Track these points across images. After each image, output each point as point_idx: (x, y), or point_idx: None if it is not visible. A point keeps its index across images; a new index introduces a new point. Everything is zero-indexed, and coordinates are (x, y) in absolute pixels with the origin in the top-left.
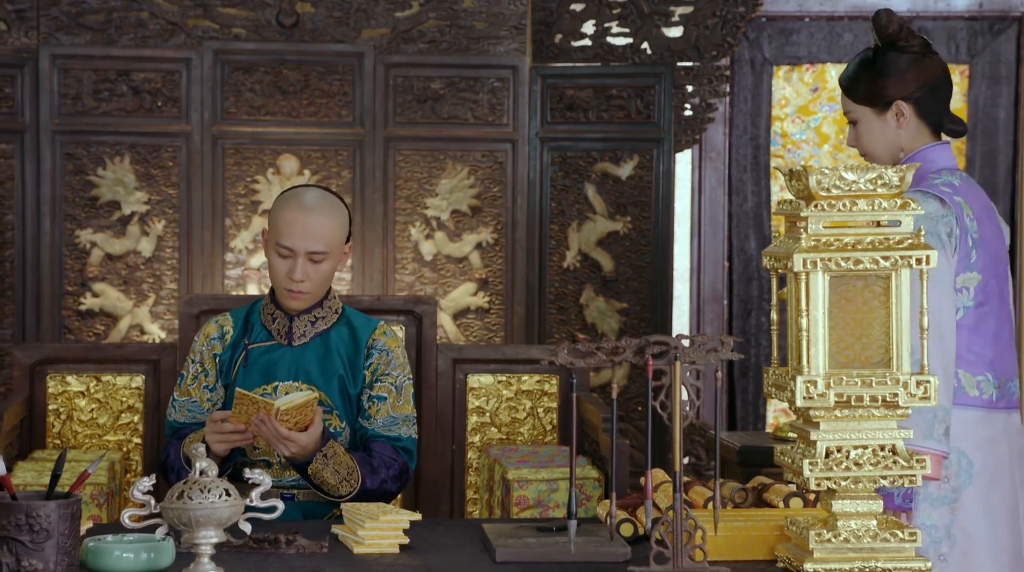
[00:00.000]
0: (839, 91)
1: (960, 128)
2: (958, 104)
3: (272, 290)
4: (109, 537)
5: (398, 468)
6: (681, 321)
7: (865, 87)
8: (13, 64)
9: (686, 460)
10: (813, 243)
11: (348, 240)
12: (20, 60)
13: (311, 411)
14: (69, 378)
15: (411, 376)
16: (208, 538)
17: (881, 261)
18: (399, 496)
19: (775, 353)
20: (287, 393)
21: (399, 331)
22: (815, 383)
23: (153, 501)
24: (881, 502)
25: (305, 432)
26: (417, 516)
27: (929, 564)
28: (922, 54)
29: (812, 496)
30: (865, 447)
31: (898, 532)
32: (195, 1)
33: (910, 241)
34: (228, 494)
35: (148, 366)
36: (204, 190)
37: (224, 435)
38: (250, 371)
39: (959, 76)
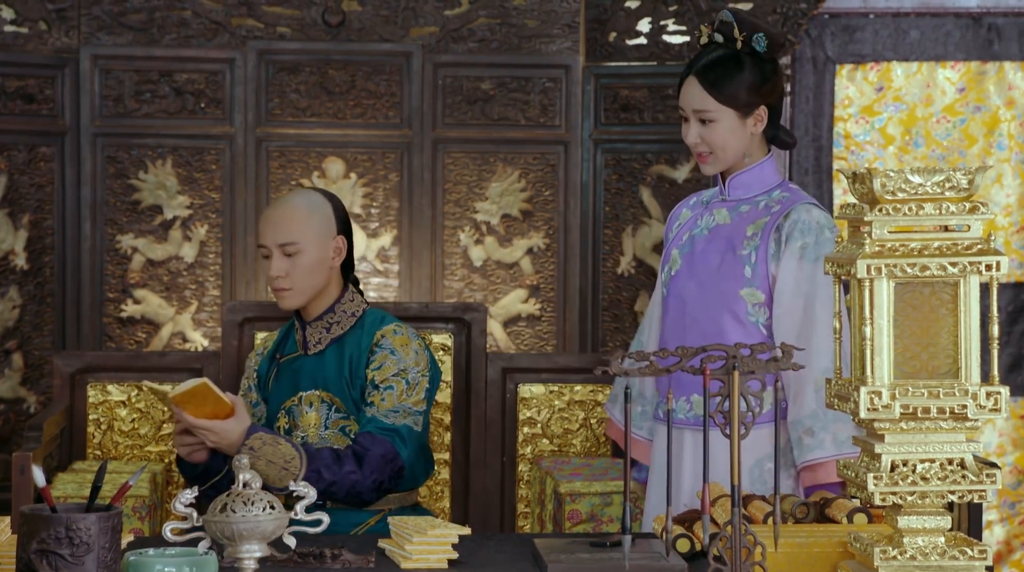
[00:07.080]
0: (695, 89)
1: (792, 141)
2: None
3: None
4: (151, 551)
5: (378, 458)
6: None
7: (741, 91)
8: (53, 65)
9: None
10: (878, 249)
11: (340, 233)
12: (61, 61)
13: (213, 397)
14: (110, 387)
15: (427, 373)
16: (252, 552)
17: (949, 267)
18: (447, 509)
19: (837, 363)
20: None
21: (445, 339)
22: (880, 394)
23: (195, 514)
24: (949, 518)
25: (223, 421)
26: (466, 530)
27: None
28: (776, 64)
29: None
30: (932, 461)
31: (968, 549)
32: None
33: (979, 246)
34: (272, 507)
35: (191, 375)
36: (248, 194)
37: (179, 437)
38: (280, 383)
39: None
